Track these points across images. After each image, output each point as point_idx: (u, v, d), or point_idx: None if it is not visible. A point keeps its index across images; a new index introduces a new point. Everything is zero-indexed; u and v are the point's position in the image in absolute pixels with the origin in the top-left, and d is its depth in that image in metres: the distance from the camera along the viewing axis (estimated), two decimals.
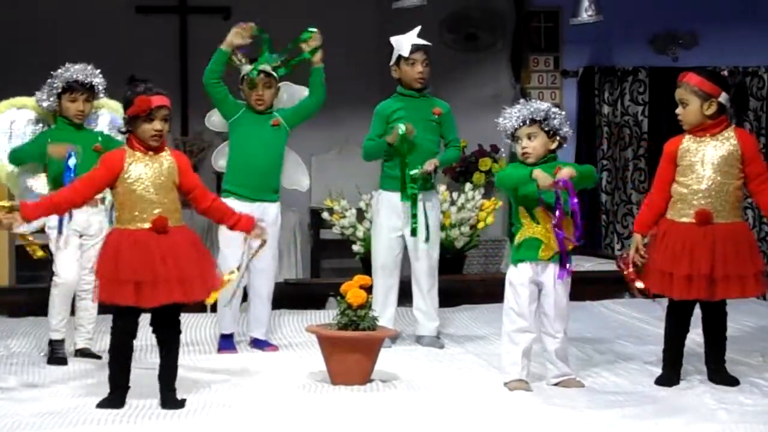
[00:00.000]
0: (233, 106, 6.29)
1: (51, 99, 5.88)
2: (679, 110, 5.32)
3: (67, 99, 5.88)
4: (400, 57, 6.31)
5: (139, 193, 4.79)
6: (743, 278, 5.25)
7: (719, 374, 5.35)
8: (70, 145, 5.72)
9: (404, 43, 6.31)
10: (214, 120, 6.49)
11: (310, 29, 6.31)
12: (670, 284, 5.26)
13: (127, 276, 4.73)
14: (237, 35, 6.18)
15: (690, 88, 5.25)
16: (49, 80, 5.88)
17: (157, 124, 4.82)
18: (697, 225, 5.23)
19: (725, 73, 5.37)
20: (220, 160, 6.48)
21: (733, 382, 5.31)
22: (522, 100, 5.38)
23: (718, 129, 5.28)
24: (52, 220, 5.85)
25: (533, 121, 5.20)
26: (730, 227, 5.26)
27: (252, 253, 5.11)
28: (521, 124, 5.21)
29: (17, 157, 5.93)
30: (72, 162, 5.66)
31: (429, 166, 6.24)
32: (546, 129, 5.21)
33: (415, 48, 6.30)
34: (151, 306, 4.80)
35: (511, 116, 5.24)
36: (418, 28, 6.35)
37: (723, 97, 5.25)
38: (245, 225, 5.06)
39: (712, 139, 5.27)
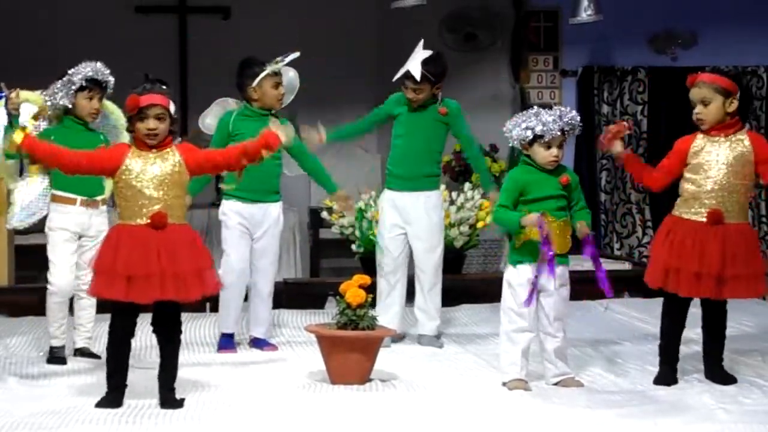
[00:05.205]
0: (226, 118, 6.30)
1: (69, 96, 5.72)
2: (699, 109, 5.24)
3: (84, 97, 5.76)
4: None
5: (138, 188, 4.79)
6: (751, 278, 5.25)
7: (717, 372, 5.36)
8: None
9: (401, 70, 6.24)
10: (209, 123, 6.49)
11: None
12: (677, 281, 5.24)
13: (120, 270, 4.73)
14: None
15: (711, 86, 5.20)
16: (65, 77, 5.73)
17: (150, 123, 4.80)
18: (709, 224, 5.22)
19: None
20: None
21: (730, 380, 5.32)
22: (555, 105, 5.34)
23: (732, 130, 5.25)
24: (54, 221, 5.83)
25: (563, 131, 5.17)
26: (738, 228, 5.26)
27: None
28: (559, 132, 5.15)
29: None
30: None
31: None
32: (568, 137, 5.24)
33: (401, 79, 6.24)
34: (143, 302, 4.77)
35: (551, 121, 5.11)
36: (419, 54, 6.17)
37: (738, 95, 5.23)
38: (271, 140, 4.89)
39: (725, 140, 5.24)
